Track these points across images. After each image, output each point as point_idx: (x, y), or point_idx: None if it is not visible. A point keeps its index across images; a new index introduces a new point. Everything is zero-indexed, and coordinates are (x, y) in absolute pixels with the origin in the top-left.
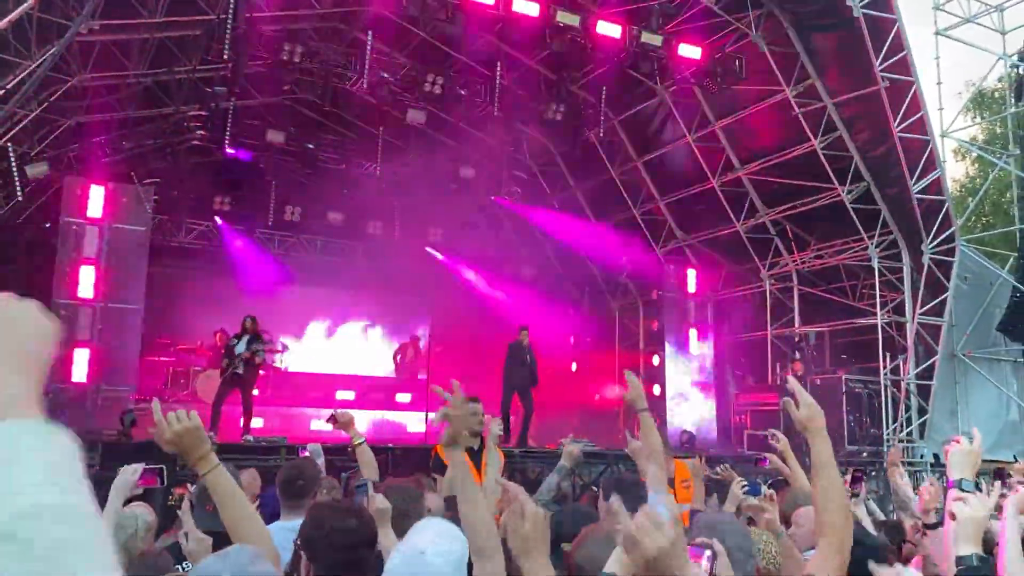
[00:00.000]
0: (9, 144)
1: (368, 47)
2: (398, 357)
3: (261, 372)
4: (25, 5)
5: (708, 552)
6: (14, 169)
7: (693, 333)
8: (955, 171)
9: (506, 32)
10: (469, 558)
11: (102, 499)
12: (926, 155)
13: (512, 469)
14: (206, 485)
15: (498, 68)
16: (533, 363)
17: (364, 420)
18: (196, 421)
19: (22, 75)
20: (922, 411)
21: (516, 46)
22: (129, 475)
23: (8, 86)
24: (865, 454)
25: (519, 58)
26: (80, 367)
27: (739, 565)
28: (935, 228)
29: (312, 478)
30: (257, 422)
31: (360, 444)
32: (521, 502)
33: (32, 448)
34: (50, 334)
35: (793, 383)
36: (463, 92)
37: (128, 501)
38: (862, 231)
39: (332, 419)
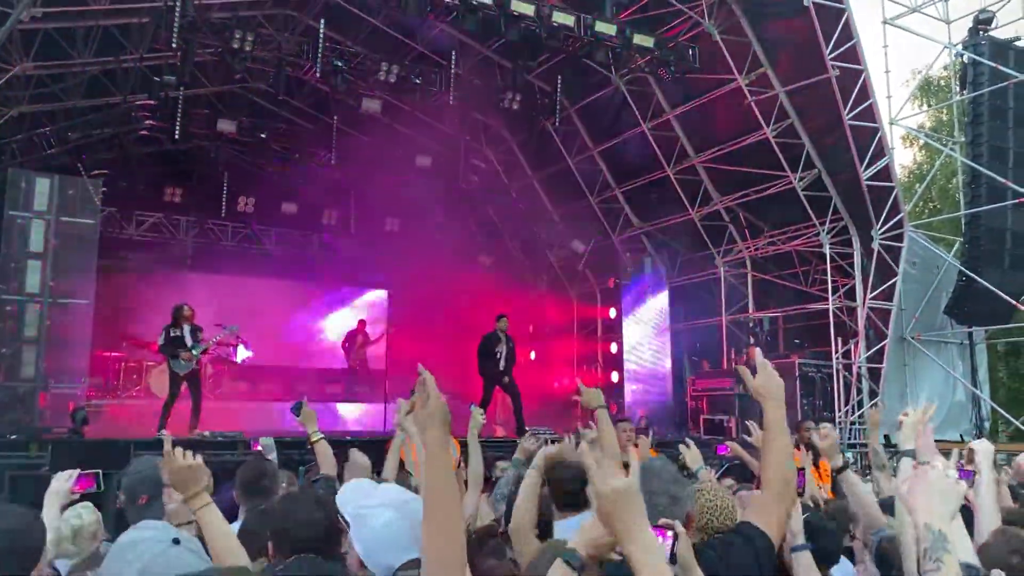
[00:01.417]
0: None
1: (320, 35)
2: (346, 345)
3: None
4: None
5: (670, 533)
6: None
7: (649, 320)
8: (903, 158)
9: (460, 19)
10: None
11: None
12: (875, 142)
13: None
14: (199, 520)
15: (453, 56)
16: (511, 350)
17: (322, 412)
18: (199, 462)
19: None
20: (873, 394)
21: (471, 34)
22: (63, 481)
23: None
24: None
25: (474, 46)
26: (28, 364)
27: (665, 510)
28: (884, 214)
29: (273, 477)
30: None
31: (318, 440)
32: (428, 385)
33: None
34: None
35: (759, 357)
36: (418, 81)
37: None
38: (814, 217)
39: (295, 409)
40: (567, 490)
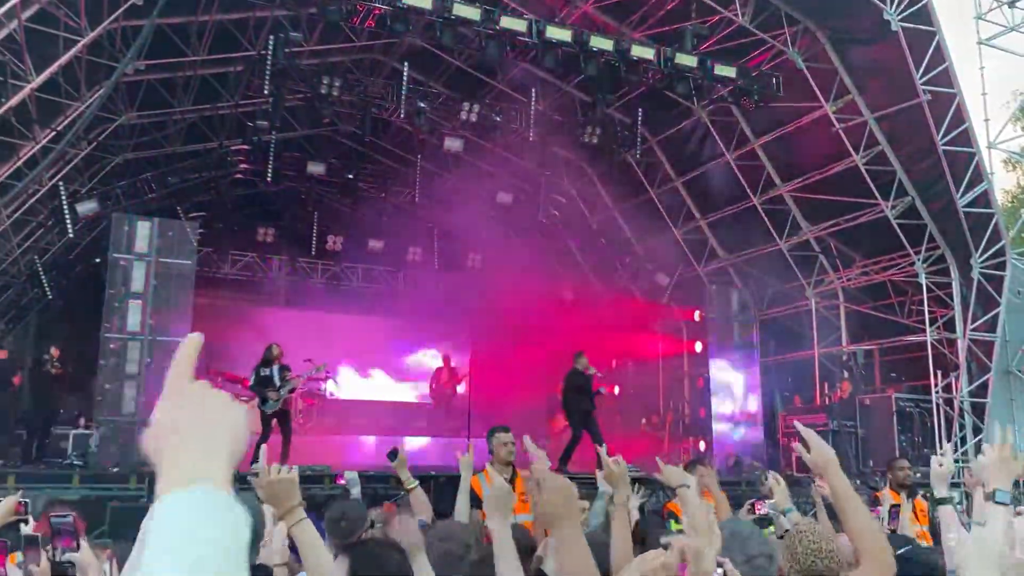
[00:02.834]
0: (60, 183)
1: (404, 77)
2: (433, 384)
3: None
4: (75, 49)
5: (719, 570)
6: (65, 207)
7: (738, 354)
8: (1006, 182)
9: (539, 57)
10: None
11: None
12: (972, 167)
13: None
14: (293, 536)
15: (532, 93)
16: (588, 388)
17: (407, 446)
18: (294, 475)
19: (72, 115)
20: (976, 430)
21: (550, 71)
22: None
23: (59, 127)
24: (919, 475)
25: (553, 83)
26: (129, 400)
27: (762, 570)
28: (984, 242)
29: (356, 519)
30: (301, 450)
31: (414, 488)
32: (537, 475)
33: (185, 523)
34: (242, 425)
35: (800, 427)
36: (498, 118)
37: None
38: (908, 246)
39: (391, 455)
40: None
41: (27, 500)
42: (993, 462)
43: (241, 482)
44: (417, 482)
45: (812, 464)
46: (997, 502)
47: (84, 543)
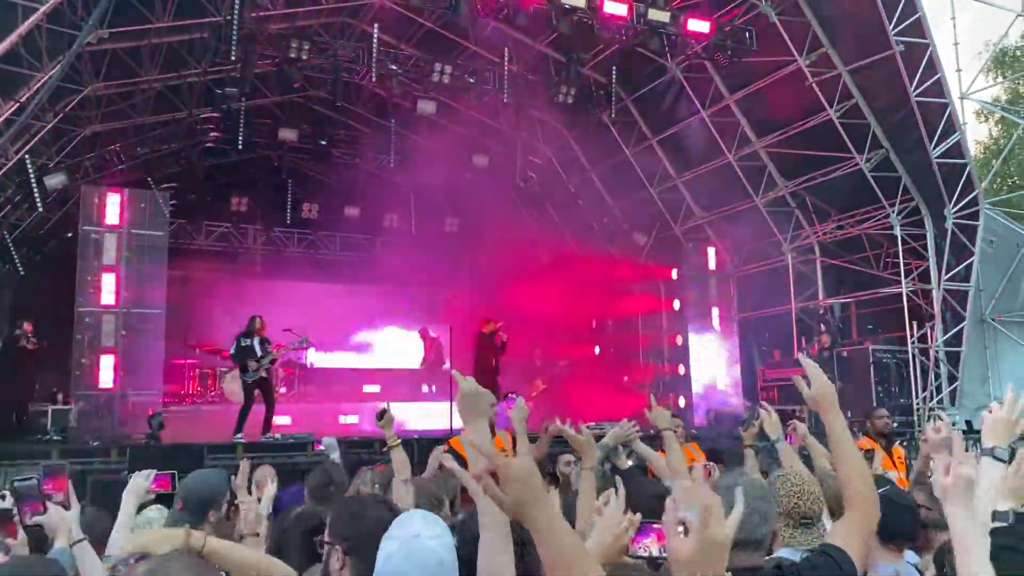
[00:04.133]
0: (27, 156)
1: (375, 40)
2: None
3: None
4: (35, 16)
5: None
6: (33, 181)
7: (716, 311)
8: (978, 133)
9: (512, 17)
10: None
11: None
12: (945, 118)
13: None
14: (207, 557)
15: (506, 53)
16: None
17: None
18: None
19: (36, 87)
20: (952, 378)
21: (522, 30)
22: (142, 479)
23: (23, 99)
24: (896, 424)
25: (526, 43)
26: (106, 373)
27: (754, 527)
28: (957, 192)
29: (341, 484)
30: (284, 419)
31: (396, 446)
32: (496, 466)
33: None
34: None
35: (805, 361)
36: (472, 80)
37: (143, 507)
38: (883, 199)
39: (379, 415)
40: (647, 508)
41: (173, 472)
42: (998, 420)
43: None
44: (400, 441)
45: (810, 399)
46: (996, 458)
47: (51, 505)
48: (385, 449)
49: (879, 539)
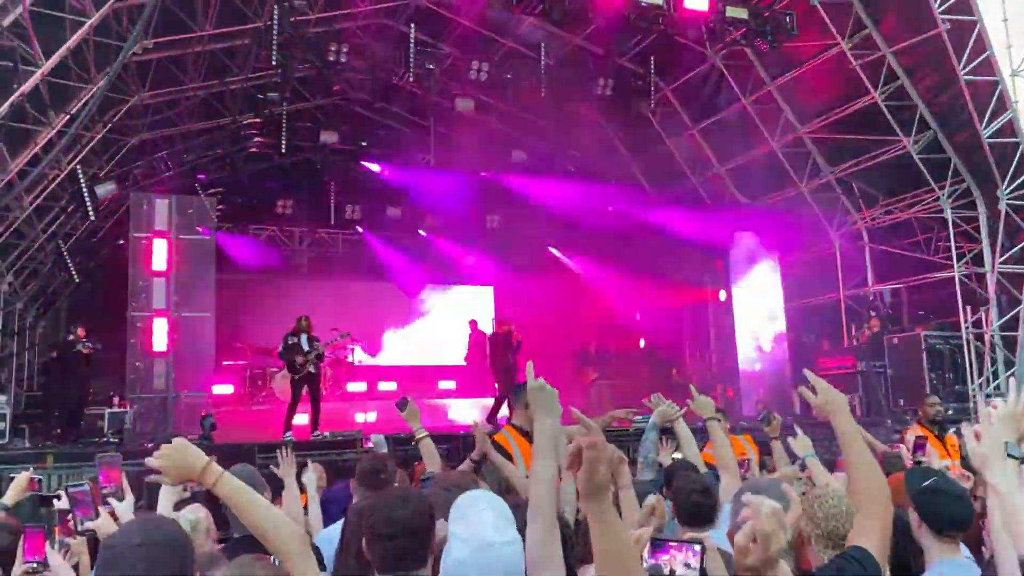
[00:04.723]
0: (79, 166)
1: (412, 40)
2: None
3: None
4: (82, 30)
5: (697, 547)
6: (84, 190)
7: (762, 300)
8: None
9: (547, 11)
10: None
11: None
12: (996, 97)
13: None
14: (219, 496)
15: (542, 48)
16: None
17: (437, 409)
18: (178, 441)
19: (85, 98)
20: (1009, 363)
21: (559, 24)
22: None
23: (73, 111)
24: (950, 411)
25: (563, 36)
26: (159, 376)
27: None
28: (1011, 172)
29: (392, 472)
30: (370, 416)
31: (423, 438)
32: (601, 445)
33: None
34: None
35: (810, 373)
36: (509, 76)
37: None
38: (932, 182)
39: (400, 405)
40: (694, 502)
41: (40, 476)
42: (1005, 415)
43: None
44: (426, 433)
45: (817, 408)
46: (1010, 455)
47: (103, 510)
48: (413, 442)
49: (932, 531)
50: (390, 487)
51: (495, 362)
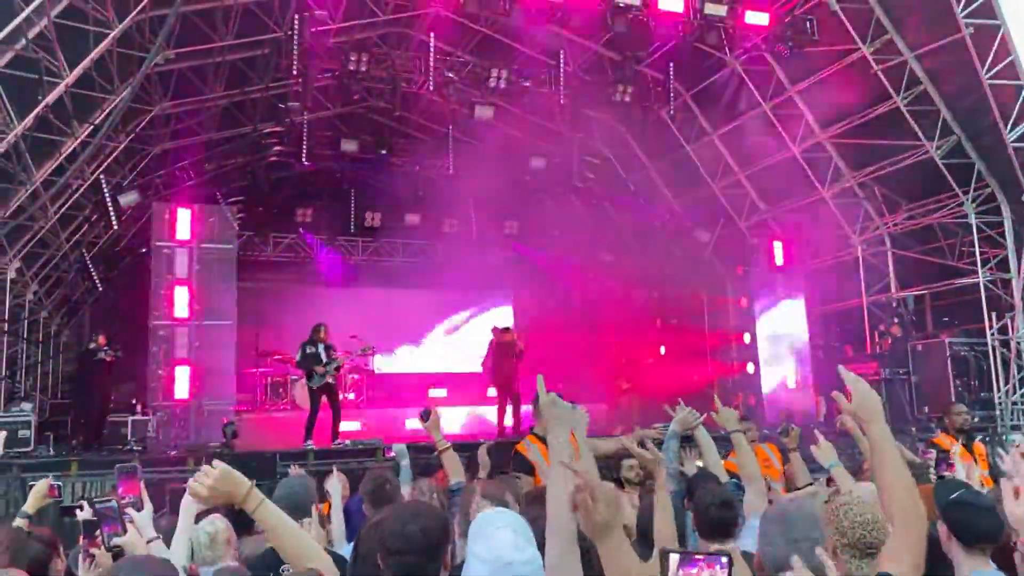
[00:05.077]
0: (102, 176)
1: (431, 48)
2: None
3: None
4: (106, 41)
5: (724, 559)
6: (108, 199)
7: (784, 307)
8: None
9: (566, 18)
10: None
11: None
12: (1021, 101)
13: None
14: (257, 521)
15: (561, 56)
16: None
17: (457, 416)
18: (222, 468)
19: (108, 109)
20: None
21: (577, 31)
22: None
23: (96, 121)
24: (976, 419)
25: (582, 43)
26: (181, 384)
27: (809, 554)
28: None
29: (395, 483)
30: (353, 425)
31: (446, 449)
32: (591, 487)
33: None
34: None
35: (845, 373)
36: (527, 83)
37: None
38: (956, 187)
39: (423, 416)
40: (713, 517)
41: (59, 483)
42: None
43: (296, 458)
44: (449, 444)
45: (851, 412)
46: None
47: (131, 527)
48: (435, 453)
49: (962, 544)
50: (400, 501)
51: (497, 370)
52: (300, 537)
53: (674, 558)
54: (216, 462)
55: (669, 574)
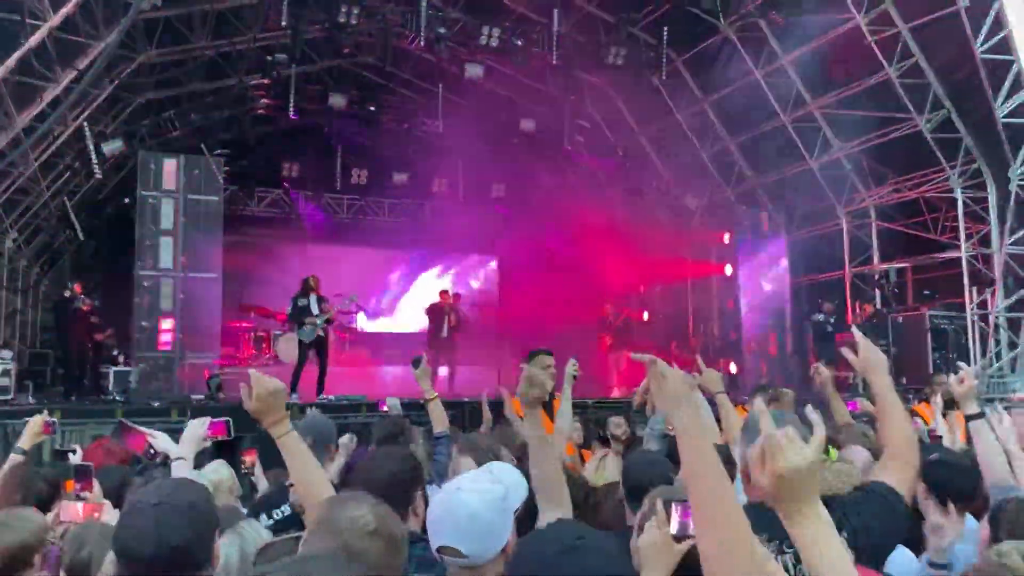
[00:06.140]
0: (85, 124)
1: (423, 3)
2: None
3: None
4: None
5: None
6: (91, 147)
7: (768, 275)
8: None
9: None
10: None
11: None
12: (1012, 77)
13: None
14: (280, 447)
15: (555, 15)
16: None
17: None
18: (277, 385)
19: (93, 55)
20: (1013, 345)
21: None
22: (197, 427)
23: (80, 67)
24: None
25: (574, 2)
26: (166, 336)
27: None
28: (1023, 152)
29: (409, 433)
30: (336, 381)
31: (433, 399)
32: (658, 366)
33: None
34: None
35: (858, 333)
36: (520, 43)
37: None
38: (943, 161)
39: (414, 363)
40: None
41: (54, 420)
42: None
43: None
44: (436, 394)
45: (860, 368)
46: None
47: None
48: (423, 401)
49: (939, 505)
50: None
51: (432, 331)
52: (316, 471)
53: (676, 507)
54: (274, 378)
55: (672, 522)
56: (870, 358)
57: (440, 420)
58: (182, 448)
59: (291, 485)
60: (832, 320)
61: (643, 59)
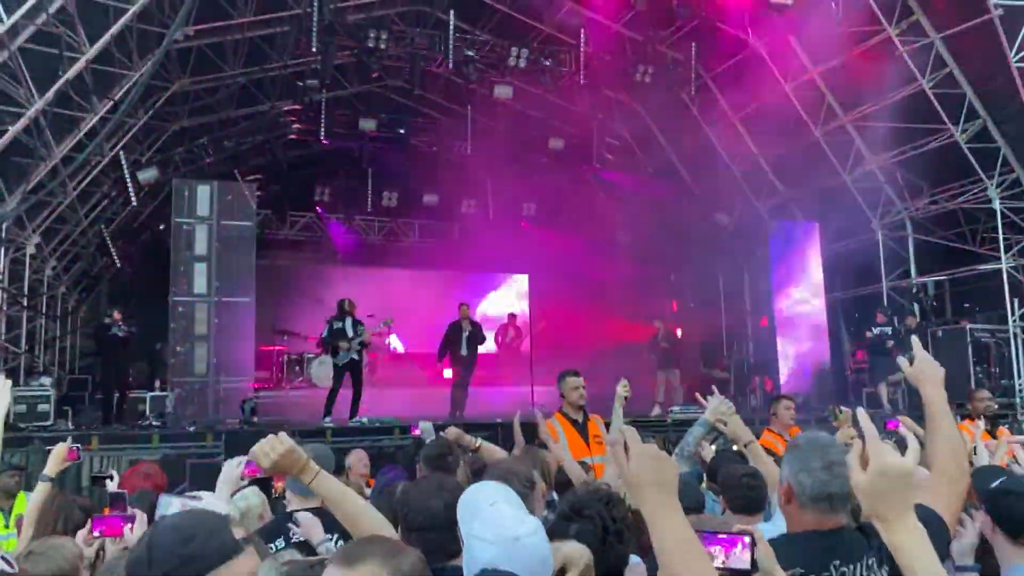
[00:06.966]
0: (121, 152)
1: (450, 26)
2: (499, 337)
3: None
4: (125, 17)
5: (747, 539)
6: (127, 176)
7: (803, 291)
8: None
9: None
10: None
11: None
12: None
13: None
14: (315, 491)
15: (582, 35)
16: (475, 338)
17: (472, 396)
18: (288, 442)
19: (127, 85)
20: None
21: (598, 10)
22: (233, 468)
23: (116, 97)
24: (996, 406)
25: (602, 22)
26: (200, 361)
27: (843, 477)
28: None
29: (457, 457)
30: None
31: (479, 446)
32: (616, 449)
33: None
34: None
35: (916, 343)
36: (548, 63)
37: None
38: (980, 172)
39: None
40: (746, 485)
41: (78, 445)
42: None
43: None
44: (479, 439)
45: (913, 378)
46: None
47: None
48: (474, 449)
49: (1007, 535)
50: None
51: (445, 348)
52: (359, 503)
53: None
54: (283, 435)
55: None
56: (925, 369)
57: (494, 454)
58: (219, 491)
59: (292, 517)
60: (889, 332)
61: (672, 76)
